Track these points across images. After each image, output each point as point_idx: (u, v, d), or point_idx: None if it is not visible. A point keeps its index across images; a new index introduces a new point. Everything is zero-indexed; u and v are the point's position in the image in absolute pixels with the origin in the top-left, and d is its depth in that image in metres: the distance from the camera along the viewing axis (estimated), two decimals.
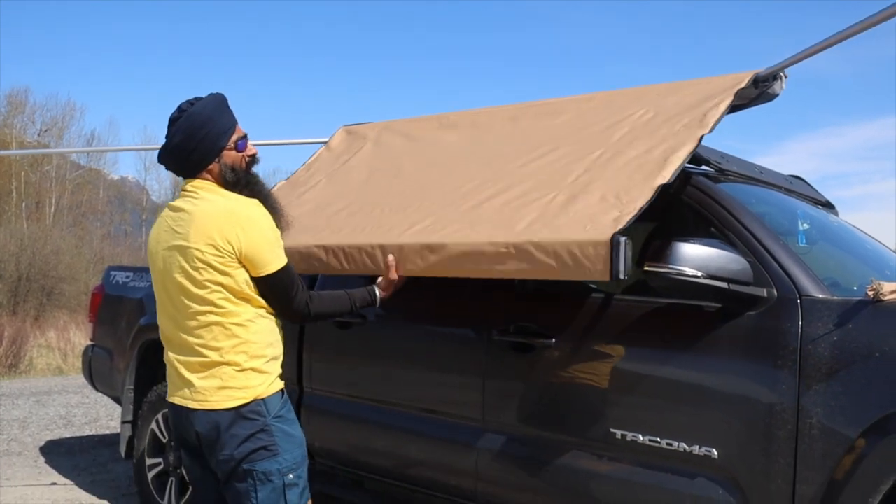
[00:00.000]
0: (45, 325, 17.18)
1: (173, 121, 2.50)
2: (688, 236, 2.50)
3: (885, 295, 2.32)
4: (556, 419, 2.85)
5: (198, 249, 2.39)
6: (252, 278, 2.45)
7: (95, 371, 5.17)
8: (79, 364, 11.94)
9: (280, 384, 2.53)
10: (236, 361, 2.42)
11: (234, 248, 2.39)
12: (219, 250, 2.38)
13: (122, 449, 4.61)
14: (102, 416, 7.48)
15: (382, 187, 3.53)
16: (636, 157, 2.71)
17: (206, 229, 2.40)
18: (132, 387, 4.58)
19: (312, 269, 3.17)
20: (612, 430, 2.69)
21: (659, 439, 2.59)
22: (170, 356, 2.53)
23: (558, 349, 2.86)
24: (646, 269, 2.48)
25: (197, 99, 2.53)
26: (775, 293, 2.49)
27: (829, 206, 3.77)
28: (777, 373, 2.38)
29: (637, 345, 2.71)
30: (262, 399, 2.45)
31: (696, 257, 2.43)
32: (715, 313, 2.56)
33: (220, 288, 2.40)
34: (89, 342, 5.35)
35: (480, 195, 2.97)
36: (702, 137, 2.63)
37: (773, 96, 2.88)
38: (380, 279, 2.91)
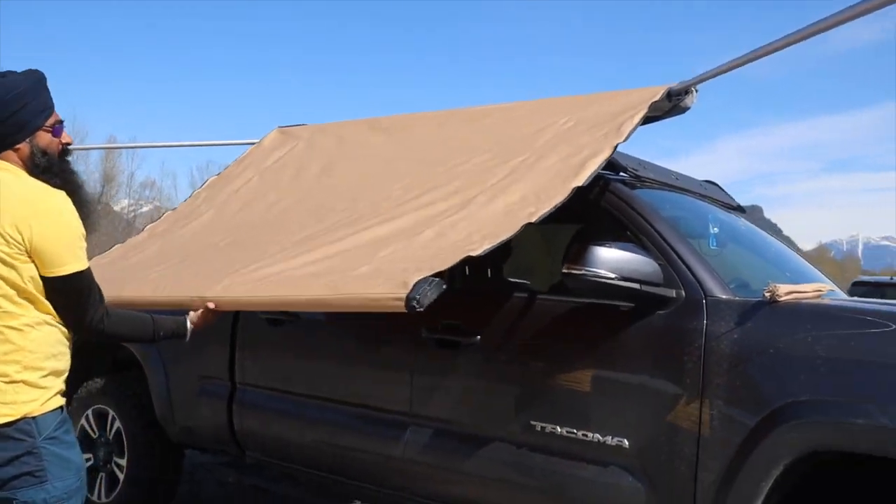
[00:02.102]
0: None
1: None
2: (605, 240, 2.67)
3: (780, 296, 2.52)
4: (480, 413, 2.99)
5: None
6: (42, 278, 2.15)
7: None
8: None
9: (59, 401, 2.23)
10: (4, 372, 2.10)
11: (23, 238, 2.10)
12: (5, 239, 2.09)
13: None
14: None
15: (267, 207, 3.69)
16: (556, 161, 2.88)
17: None
18: None
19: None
20: (532, 422, 2.85)
21: (576, 430, 2.76)
22: None
23: (483, 346, 3.00)
24: (564, 271, 2.64)
25: (10, 72, 2.27)
26: (683, 294, 2.68)
27: (739, 209, 4.00)
28: (683, 367, 2.56)
29: (556, 342, 2.88)
30: (33, 417, 2.13)
31: (610, 260, 2.60)
32: (629, 312, 2.73)
33: (0, 283, 2.11)
34: None
35: (369, 218, 3.06)
36: (617, 145, 2.82)
37: (684, 109, 3.08)
38: (190, 312, 2.73)
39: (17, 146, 2.23)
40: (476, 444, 2.98)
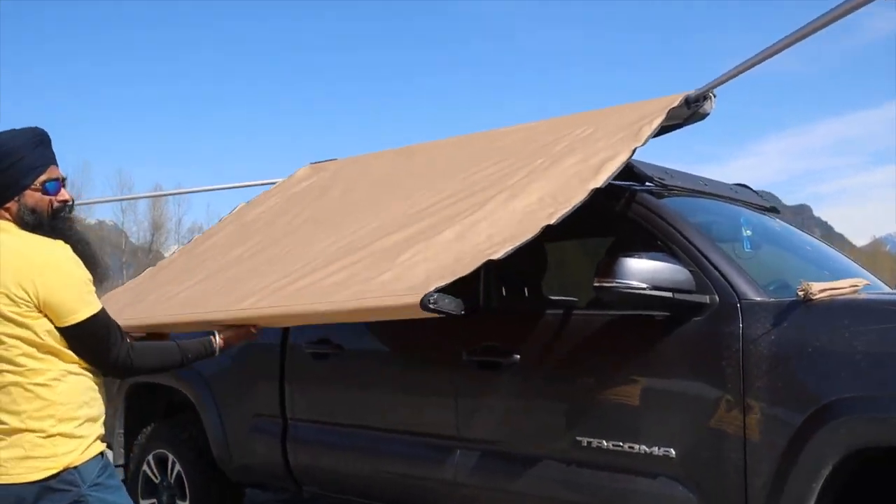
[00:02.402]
0: None
1: None
2: (635, 251, 2.69)
3: (814, 294, 2.51)
4: (525, 432, 3.02)
5: None
6: (58, 329, 2.18)
7: None
8: None
9: (99, 447, 2.28)
10: (41, 428, 2.15)
11: (30, 296, 2.13)
12: (12, 300, 2.12)
13: None
14: None
15: (289, 221, 3.81)
16: (573, 164, 2.92)
17: None
18: (122, 430, 4.69)
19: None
20: (577, 437, 2.86)
21: (621, 443, 2.76)
22: None
23: (522, 365, 3.03)
24: (595, 285, 2.66)
25: (7, 131, 2.31)
26: (717, 299, 2.68)
27: (773, 210, 3.97)
28: (723, 372, 2.56)
29: (594, 356, 2.89)
30: (75, 467, 2.18)
31: (641, 270, 2.61)
32: (664, 321, 2.74)
33: (17, 342, 2.14)
34: None
35: (390, 231, 3.10)
36: (635, 149, 2.83)
37: (704, 115, 3.09)
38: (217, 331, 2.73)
39: (7, 205, 2.25)
40: (524, 464, 3.00)
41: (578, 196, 2.67)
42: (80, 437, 2.21)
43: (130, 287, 3.89)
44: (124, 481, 4.61)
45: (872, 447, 2.28)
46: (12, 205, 2.25)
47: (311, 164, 4.68)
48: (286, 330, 3.89)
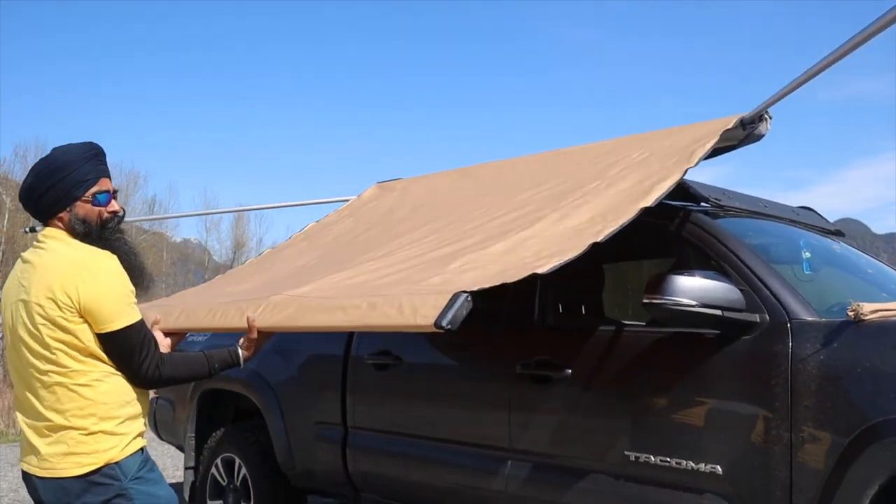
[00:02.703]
0: None
1: (38, 161, 2.44)
2: (685, 269, 2.73)
3: (865, 315, 2.50)
4: (575, 444, 3.06)
5: (38, 304, 2.26)
6: (96, 335, 2.29)
7: (160, 421, 5.51)
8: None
9: (139, 443, 2.39)
10: (83, 426, 2.27)
11: (73, 301, 2.24)
12: (59, 305, 2.24)
13: (186, 493, 4.92)
14: (169, 466, 7.85)
15: (355, 236, 3.96)
16: (627, 187, 2.98)
17: (46, 282, 2.27)
18: (193, 434, 4.90)
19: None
20: (626, 452, 2.89)
21: (669, 459, 2.78)
22: (19, 418, 2.39)
23: (574, 379, 3.08)
24: (644, 301, 2.71)
25: (62, 146, 2.44)
26: (767, 318, 2.69)
27: (838, 233, 3.93)
28: (771, 391, 2.57)
29: (644, 372, 2.92)
30: (116, 462, 2.30)
31: (690, 288, 2.65)
32: (714, 339, 2.76)
33: (62, 346, 2.26)
34: (154, 395, 5.71)
35: (442, 242, 3.15)
36: (686, 170, 2.87)
37: (759, 136, 3.10)
38: (241, 338, 2.74)
39: (60, 215, 2.38)
40: (573, 476, 3.04)
41: (628, 214, 2.71)
42: (120, 434, 2.32)
43: (201, 287, 4.11)
44: (194, 483, 4.84)
45: None
46: (65, 215, 2.37)
47: (378, 183, 4.84)
48: (349, 342, 4.03)
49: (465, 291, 2.34)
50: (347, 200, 4.83)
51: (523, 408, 3.25)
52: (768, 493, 2.55)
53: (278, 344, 4.48)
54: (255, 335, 2.70)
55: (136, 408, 2.40)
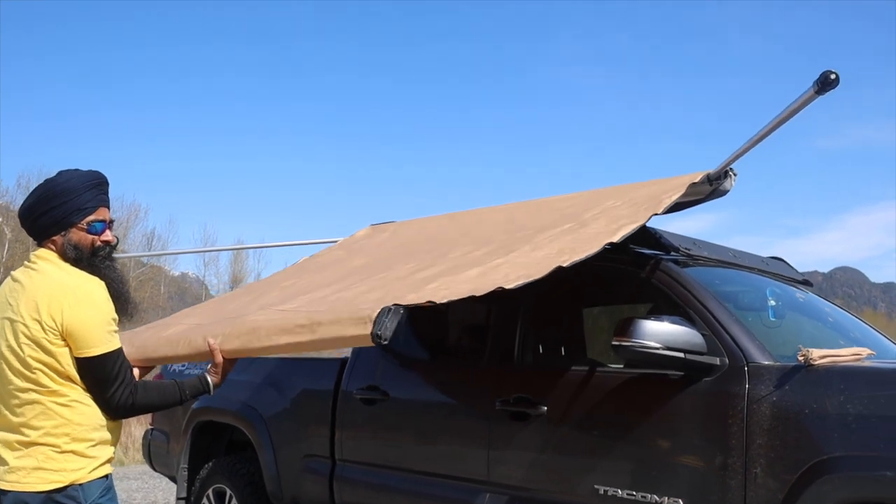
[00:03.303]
0: None
1: (42, 182, 2.50)
2: (652, 314, 2.93)
3: (814, 360, 2.70)
4: (549, 478, 3.24)
5: (24, 324, 2.31)
6: (74, 358, 2.33)
7: (154, 452, 5.65)
8: (138, 456, 12.46)
9: (106, 469, 2.42)
10: (55, 443, 2.31)
11: (56, 324, 2.29)
12: (43, 327, 2.29)
13: None
14: (160, 499, 7.97)
15: (339, 265, 4.20)
16: (597, 228, 3.21)
17: (34, 303, 2.31)
18: (186, 465, 5.05)
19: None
20: (595, 485, 3.07)
21: (635, 492, 2.96)
22: None
23: (549, 416, 3.27)
24: (614, 343, 2.91)
25: (68, 171, 2.51)
26: (727, 361, 2.89)
27: (806, 283, 4.14)
28: (728, 429, 2.76)
29: (613, 409, 3.11)
30: (80, 484, 2.33)
31: (655, 332, 2.85)
32: (678, 380, 2.95)
33: (42, 366, 2.30)
34: (149, 426, 5.85)
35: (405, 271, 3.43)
36: (651, 216, 3.12)
37: (724, 192, 3.32)
38: (209, 365, 2.81)
39: (54, 238, 2.45)
40: None
41: (593, 248, 2.94)
42: (90, 457, 2.36)
43: (190, 310, 4.31)
44: None
45: (861, 502, 2.44)
46: (58, 238, 2.44)
47: (372, 225, 5.07)
48: (339, 377, 4.21)
49: (396, 304, 2.49)
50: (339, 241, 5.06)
51: (501, 443, 3.42)
52: None
53: (272, 377, 4.67)
54: (219, 359, 2.77)
55: (111, 434, 2.44)
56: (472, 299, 2.81)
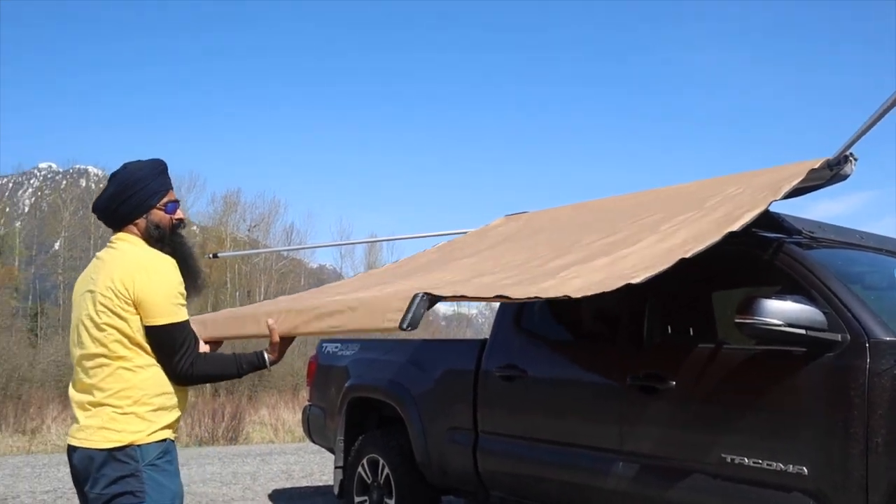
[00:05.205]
0: (257, 404, 18.59)
1: (113, 175, 2.68)
2: (774, 293, 3.12)
3: None
4: (678, 447, 3.48)
5: (101, 294, 2.50)
6: (144, 326, 2.51)
7: (313, 426, 6.22)
8: (288, 437, 13.39)
9: (164, 434, 2.55)
10: (119, 405, 2.48)
11: (128, 292, 2.47)
12: (116, 294, 2.47)
13: (336, 489, 5.59)
14: (316, 471, 8.64)
15: (467, 254, 4.44)
16: (719, 216, 3.40)
17: (110, 274, 2.51)
18: (342, 437, 5.57)
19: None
20: (722, 454, 3.29)
21: (761, 461, 3.17)
22: (70, 393, 2.61)
23: (677, 390, 3.51)
24: (736, 321, 3.12)
25: (134, 162, 2.71)
26: (848, 337, 3.05)
27: None
28: (850, 402, 2.93)
29: (740, 383, 3.32)
30: (138, 445, 2.48)
31: (776, 310, 3.04)
32: (801, 356, 3.13)
33: (114, 331, 2.48)
34: (307, 402, 6.42)
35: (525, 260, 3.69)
36: (771, 202, 3.29)
37: (845, 176, 3.44)
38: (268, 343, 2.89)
39: (136, 221, 2.65)
40: (676, 475, 3.46)
41: (715, 237, 3.13)
42: (149, 420, 2.51)
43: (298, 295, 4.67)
44: (343, 481, 5.49)
45: None
46: (141, 221, 2.65)
47: (507, 215, 5.41)
48: (479, 357, 4.59)
49: (424, 292, 2.55)
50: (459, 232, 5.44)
51: (633, 415, 3.69)
52: (846, 491, 2.90)
53: (415, 358, 5.11)
54: (276, 339, 2.86)
55: (172, 400, 2.59)
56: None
